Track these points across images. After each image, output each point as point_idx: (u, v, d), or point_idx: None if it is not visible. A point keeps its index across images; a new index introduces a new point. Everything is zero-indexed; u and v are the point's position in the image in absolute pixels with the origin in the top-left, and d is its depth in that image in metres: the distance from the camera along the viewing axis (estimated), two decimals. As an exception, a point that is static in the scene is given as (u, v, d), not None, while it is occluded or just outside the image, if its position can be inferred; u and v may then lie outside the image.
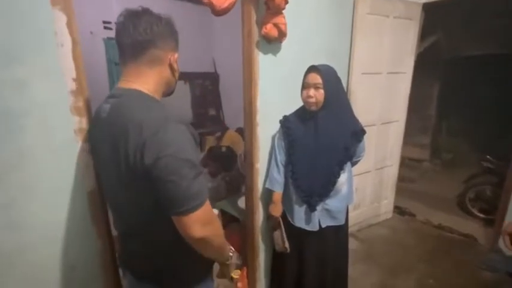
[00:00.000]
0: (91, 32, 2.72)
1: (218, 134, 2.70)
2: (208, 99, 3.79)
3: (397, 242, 2.40)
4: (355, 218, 2.49)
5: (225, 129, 2.80)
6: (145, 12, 0.73)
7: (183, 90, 3.60)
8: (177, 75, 0.84)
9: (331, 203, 1.40)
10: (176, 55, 0.80)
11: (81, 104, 0.97)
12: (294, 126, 1.42)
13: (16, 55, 0.84)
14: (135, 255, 0.84)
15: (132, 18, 0.71)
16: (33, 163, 0.91)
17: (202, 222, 0.67)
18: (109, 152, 0.72)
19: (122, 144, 0.66)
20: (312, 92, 1.29)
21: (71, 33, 0.92)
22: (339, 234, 1.50)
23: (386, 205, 2.72)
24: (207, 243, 0.71)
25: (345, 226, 1.52)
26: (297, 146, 1.40)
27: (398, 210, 2.90)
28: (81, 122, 0.98)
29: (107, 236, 1.10)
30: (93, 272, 1.10)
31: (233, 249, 0.90)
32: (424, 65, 3.49)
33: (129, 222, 0.81)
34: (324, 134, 1.34)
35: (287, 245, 1.49)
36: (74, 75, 0.94)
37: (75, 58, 0.94)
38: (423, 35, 2.66)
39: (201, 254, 0.76)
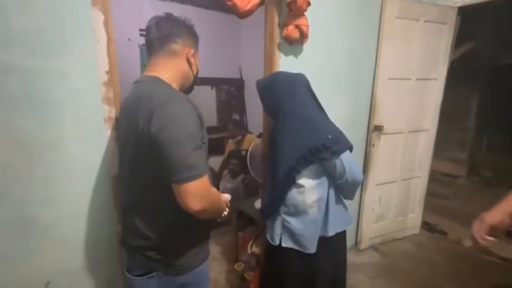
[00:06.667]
0: (128, 39, 2.97)
1: (239, 137, 2.74)
2: (233, 105, 3.89)
3: (422, 259, 2.22)
4: (378, 231, 2.36)
5: (245, 133, 2.85)
6: (169, 15, 0.87)
7: (209, 95, 3.74)
8: (195, 70, 0.93)
9: (294, 223, 1.16)
10: (192, 51, 0.89)
11: (111, 94, 1.06)
12: None
13: (59, 48, 0.96)
14: (134, 230, 0.84)
15: (158, 20, 0.85)
16: (69, 145, 1.02)
17: (199, 195, 0.72)
18: (124, 125, 0.82)
19: (134, 114, 0.77)
20: None
21: (107, 31, 1.03)
22: (310, 265, 1.19)
23: (413, 219, 2.54)
24: (205, 214, 0.77)
25: (322, 259, 1.18)
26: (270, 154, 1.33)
27: (427, 226, 2.69)
28: (110, 111, 1.07)
29: (126, 220, 1.16)
30: (112, 252, 1.17)
31: (227, 200, 0.95)
32: (462, 73, 3.27)
33: (133, 193, 0.84)
34: (276, 145, 1.19)
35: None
36: (107, 68, 1.04)
37: (109, 53, 1.04)
38: (459, 40, 2.51)
39: (197, 240, 0.88)
